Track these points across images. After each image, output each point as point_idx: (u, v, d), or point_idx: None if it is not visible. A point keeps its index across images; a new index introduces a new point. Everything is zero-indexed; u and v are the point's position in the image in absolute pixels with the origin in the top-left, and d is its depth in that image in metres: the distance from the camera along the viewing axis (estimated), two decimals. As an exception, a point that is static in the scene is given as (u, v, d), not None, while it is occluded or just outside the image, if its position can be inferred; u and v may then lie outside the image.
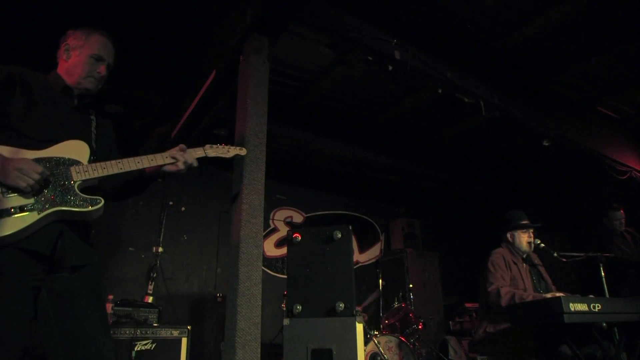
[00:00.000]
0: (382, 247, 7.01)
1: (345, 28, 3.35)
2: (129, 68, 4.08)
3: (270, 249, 6.12)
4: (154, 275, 4.49)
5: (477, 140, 6.11)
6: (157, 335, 3.29)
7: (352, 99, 5.09)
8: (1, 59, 1.79)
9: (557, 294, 2.71)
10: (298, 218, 6.52)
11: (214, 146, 2.07)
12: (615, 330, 2.57)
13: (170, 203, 5.31)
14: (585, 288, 3.34)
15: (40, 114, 1.67)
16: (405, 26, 3.74)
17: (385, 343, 3.97)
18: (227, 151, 2.12)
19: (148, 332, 3.26)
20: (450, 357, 5.03)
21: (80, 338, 1.55)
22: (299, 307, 2.94)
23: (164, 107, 4.56)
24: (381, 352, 3.77)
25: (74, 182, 1.63)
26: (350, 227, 3.08)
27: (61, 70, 1.83)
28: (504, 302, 2.82)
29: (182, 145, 1.92)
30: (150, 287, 4.39)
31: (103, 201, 1.66)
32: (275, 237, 6.19)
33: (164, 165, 1.87)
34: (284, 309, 3.86)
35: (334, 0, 3.32)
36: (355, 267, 3.09)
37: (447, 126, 5.73)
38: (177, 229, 5.36)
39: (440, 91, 4.06)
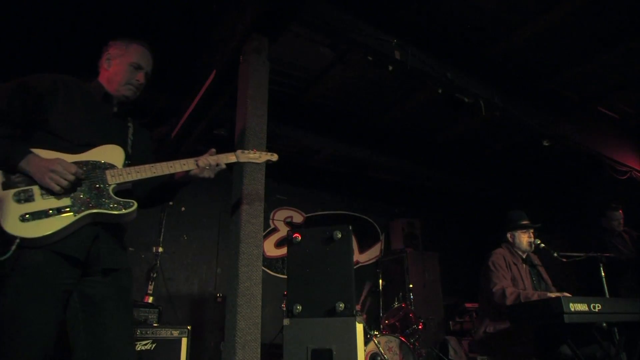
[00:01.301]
0: (382, 247, 7.02)
1: (345, 28, 3.35)
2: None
3: (270, 249, 6.12)
4: (154, 275, 4.48)
5: (477, 140, 6.11)
6: (157, 336, 3.29)
7: (352, 99, 5.09)
8: (49, 67, 1.86)
9: (565, 294, 2.70)
10: (298, 218, 6.52)
11: (246, 152, 2.10)
12: (615, 330, 2.57)
13: (170, 203, 5.30)
14: (585, 288, 3.34)
15: (80, 120, 1.73)
16: (405, 26, 3.74)
17: (385, 343, 3.97)
18: (259, 157, 2.14)
19: (148, 332, 3.26)
20: (450, 357, 5.03)
21: (103, 343, 1.58)
22: (299, 307, 2.94)
23: (164, 107, 4.56)
24: (381, 352, 3.77)
25: (109, 185, 1.67)
26: (350, 227, 3.08)
27: (102, 78, 1.90)
28: (509, 302, 2.81)
29: (212, 150, 1.97)
30: (150, 287, 4.39)
31: (136, 204, 1.69)
32: (275, 237, 6.19)
33: (192, 170, 1.91)
34: (284, 309, 3.86)
35: (334, 0, 3.32)
36: (355, 267, 3.09)
37: (447, 126, 5.73)
38: (177, 229, 5.36)
39: (440, 91, 4.06)
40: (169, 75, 4.27)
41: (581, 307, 2.31)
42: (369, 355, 3.78)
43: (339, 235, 3.05)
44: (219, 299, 5.07)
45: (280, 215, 6.34)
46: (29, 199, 1.54)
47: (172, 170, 1.83)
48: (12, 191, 1.53)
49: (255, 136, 2.75)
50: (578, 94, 4.97)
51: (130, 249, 5.01)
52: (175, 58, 4.10)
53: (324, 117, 5.29)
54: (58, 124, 1.68)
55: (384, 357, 3.76)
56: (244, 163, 2.71)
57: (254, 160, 2.12)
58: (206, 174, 1.93)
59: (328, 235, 3.08)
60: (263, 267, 3.39)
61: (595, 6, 3.61)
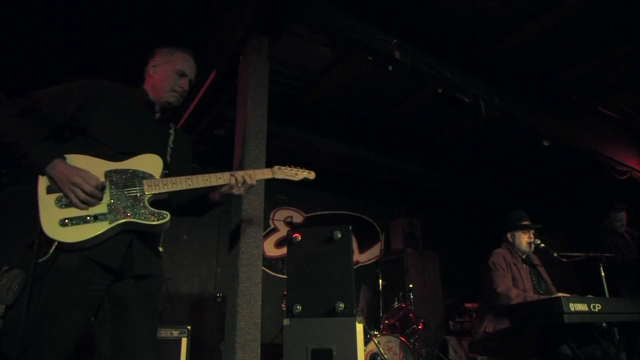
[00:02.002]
0: (382, 247, 7.01)
1: (345, 28, 3.35)
2: (129, 68, 4.09)
3: (270, 249, 6.11)
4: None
5: (477, 140, 6.10)
6: (157, 335, 3.28)
7: (352, 99, 5.09)
8: (97, 73, 1.93)
9: (567, 295, 2.70)
10: (298, 218, 6.52)
11: (283, 168, 2.12)
12: (615, 330, 2.56)
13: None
14: (585, 288, 3.34)
15: (122, 127, 1.76)
16: (405, 26, 3.74)
17: (385, 343, 3.97)
18: (295, 174, 2.16)
19: (148, 332, 3.25)
20: (450, 357, 5.03)
21: (127, 345, 1.62)
22: (299, 307, 2.94)
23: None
24: (381, 352, 3.77)
25: (145, 195, 1.70)
26: (350, 227, 3.08)
27: (147, 85, 1.94)
28: (514, 303, 2.80)
29: (248, 171, 1.98)
30: (150, 287, 4.38)
31: (169, 216, 1.71)
32: (275, 237, 6.19)
33: (224, 188, 1.93)
34: (284, 309, 3.86)
35: (333, 0, 3.32)
36: (355, 267, 3.09)
37: (447, 126, 5.73)
38: (177, 229, 5.36)
39: (440, 91, 4.06)
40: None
41: (581, 307, 2.31)
42: (369, 355, 3.78)
43: (339, 235, 3.04)
44: (219, 299, 5.07)
45: (280, 215, 6.34)
46: (70, 204, 1.58)
47: (207, 184, 1.85)
48: (55, 195, 1.58)
49: (255, 136, 2.75)
50: (578, 94, 4.96)
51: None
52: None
53: (324, 117, 5.28)
54: (100, 130, 1.71)
55: (384, 357, 3.75)
56: (241, 158, 2.73)
57: (290, 177, 2.14)
58: (238, 191, 1.93)
59: (328, 235, 3.07)
60: (263, 267, 3.39)
61: (595, 6, 3.61)
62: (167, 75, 1.92)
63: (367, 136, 5.69)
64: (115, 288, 1.65)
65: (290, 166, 2.15)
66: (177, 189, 1.77)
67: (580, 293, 2.73)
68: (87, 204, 1.59)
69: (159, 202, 1.75)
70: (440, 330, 5.95)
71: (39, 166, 1.57)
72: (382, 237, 7.13)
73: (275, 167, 2.09)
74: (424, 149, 6.17)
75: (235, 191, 1.92)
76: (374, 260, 6.87)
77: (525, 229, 3.32)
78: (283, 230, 6.12)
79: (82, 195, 1.57)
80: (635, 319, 2.52)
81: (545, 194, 6.93)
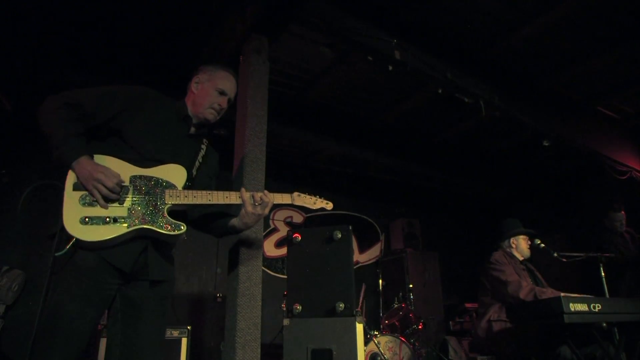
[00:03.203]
0: (382, 247, 7.01)
1: (345, 28, 3.35)
2: (129, 68, 4.09)
3: (270, 249, 6.12)
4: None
5: (477, 140, 6.10)
6: (158, 336, 3.28)
7: (352, 99, 5.09)
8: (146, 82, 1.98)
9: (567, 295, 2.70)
10: (298, 218, 6.52)
11: (302, 195, 2.13)
12: (615, 330, 2.57)
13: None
14: (585, 288, 3.34)
15: (155, 135, 1.81)
16: (405, 26, 3.74)
17: (385, 343, 3.97)
18: (314, 203, 2.17)
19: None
20: (450, 357, 5.03)
21: (135, 345, 1.66)
22: (299, 307, 2.94)
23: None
24: (381, 352, 3.77)
25: (166, 204, 1.74)
26: (350, 227, 3.08)
27: (188, 99, 2.00)
28: (523, 294, 2.81)
29: (265, 191, 1.99)
30: (150, 287, 4.38)
31: (185, 228, 1.76)
32: (275, 237, 6.19)
33: (241, 212, 1.96)
34: (284, 309, 3.86)
35: (333, 0, 3.32)
36: (355, 267, 3.09)
37: (447, 126, 5.73)
38: (177, 229, 5.35)
39: (440, 91, 4.06)
40: (169, 75, 4.27)
41: (581, 307, 2.32)
42: (369, 355, 3.78)
43: (339, 235, 3.04)
44: (219, 299, 5.06)
45: (280, 215, 6.34)
46: (92, 203, 1.63)
47: (227, 201, 1.87)
48: (80, 193, 1.63)
49: (255, 136, 2.75)
50: (578, 94, 4.96)
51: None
52: (175, 58, 4.10)
53: (324, 117, 5.28)
54: (134, 134, 1.76)
55: (384, 357, 3.75)
56: (241, 158, 2.73)
57: (308, 206, 2.15)
58: (257, 210, 1.94)
59: (328, 235, 3.07)
60: (263, 267, 3.39)
61: (595, 6, 3.61)
62: (208, 92, 1.97)
63: (367, 136, 5.69)
64: (128, 289, 1.69)
65: (309, 194, 2.16)
66: (197, 202, 1.80)
67: (580, 293, 2.73)
68: (109, 200, 1.63)
69: (176, 212, 1.78)
70: (440, 330, 5.95)
71: (67, 160, 1.61)
72: (382, 237, 7.12)
73: (295, 194, 2.11)
74: (424, 149, 6.17)
75: (251, 209, 1.93)
76: (374, 260, 6.87)
77: (526, 234, 3.37)
78: (283, 230, 6.12)
79: (104, 190, 1.61)
80: (635, 319, 2.53)
81: (545, 194, 6.94)
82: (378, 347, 3.79)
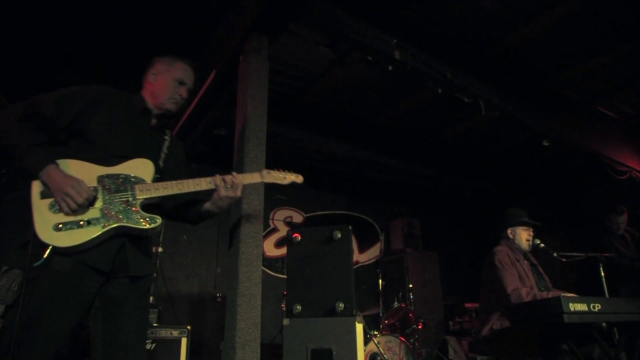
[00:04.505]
0: (382, 247, 7.02)
1: (345, 28, 3.34)
2: (129, 68, 4.08)
3: (270, 249, 6.12)
4: (154, 275, 4.48)
5: (477, 140, 6.10)
6: (157, 335, 3.29)
7: (352, 99, 5.09)
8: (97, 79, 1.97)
9: (567, 295, 2.69)
10: (298, 218, 6.52)
11: (271, 171, 2.14)
12: (615, 330, 2.56)
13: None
14: (585, 288, 3.33)
15: (118, 132, 1.80)
16: (405, 26, 3.73)
17: (385, 343, 3.97)
18: (284, 178, 2.18)
19: (148, 332, 3.26)
20: (450, 357, 5.03)
21: (118, 342, 1.67)
22: (299, 307, 2.94)
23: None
24: (381, 352, 3.77)
25: (137, 199, 1.73)
26: (350, 227, 3.08)
27: (146, 92, 1.99)
28: (525, 301, 2.79)
29: (234, 173, 2.00)
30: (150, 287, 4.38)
31: (161, 221, 1.75)
32: (275, 237, 6.19)
33: (214, 195, 1.97)
34: (284, 309, 3.86)
35: (334, 0, 3.32)
36: (355, 267, 3.09)
37: (447, 126, 5.73)
38: (177, 229, 5.36)
39: (440, 91, 4.06)
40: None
41: (581, 307, 2.31)
42: (368, 355, 3.78)
43: (339, 235, 3.04)
44: (219, 299, 5.07)
45: (280, 215, 6.34)
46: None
47: (198, 188, 1.88)
48: (48, 201, 1.61)
49: (255, 136, 2.75)
50: (578, 94, 4.96)
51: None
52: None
53: (324, 117, 5.28)
54: (97, 134, 1.75)
55: (384, 357, 3.76)
56: (235, 162, 2.74)
57: (278, 181, 2.15)
58: (228, 193, 1.95)
59: (328, 235, 3.08)
60: (263, 267, 3.39)
61: (595, 6, 3.61)
62: (167, 83, 1.97)
63: (367, 136, 5.69)
64: (107, 287, 1.68)
65: (278, 169, 2.16)
66: (169, 194, 1.80)
67: (580, 293, 2.73)
68: (77, 213, 1.62)
69: (151, 206, 1.77)
70: (440, 330, 5.96)
71: (33, 171, 1.61)
72: (382, 237, 7.13)
73: (264, 171, 2.11)
74: (424, 149, 6.16)
75: (224, 192, 1.94)
76: (373, 260, 6.88)
77: (526, 225, 3.31)
78: (283, 230, 6.12)
79: (73, 206, 1.59)
80: (635, 319, 2.52)
81: (545, 193, 6.94)
82: (378, 347, 3.79)
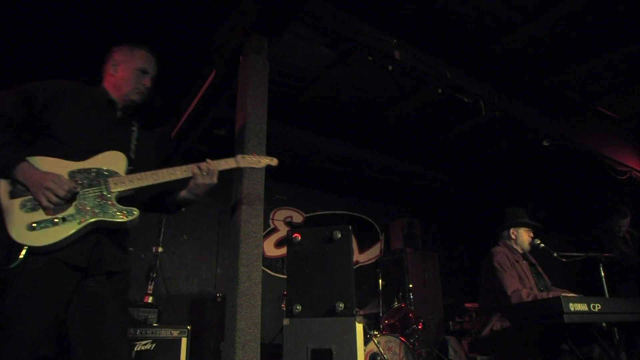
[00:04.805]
0: (382, 247, 7.01)
1: (345, 28, 3.35)
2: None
3: (270, 249, 6.12)
4: (154, 275, 4.49)
5: (477, 140, 6.11)
6: (157, 335, 3.29)
7: (352, 99, 5.09)
8: (55, 74, 1.88)
9: (567, 295, 2.69)
10: (298, 218, 6.52)
11: (246, 156, 2.12)
12: (615, 330, 2.56)
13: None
14: (585, 288, 3.33)
15: (84, 126, 1.76)
16: (405, 26, 3.74)
17: (385, 343, 3.97)
18: (259, 161, 2.16)
19: (148, 332, 3.26)
20: (450, 357, 5.03)
21: (99, 340, 1.64)
22: (299, 307, 2.94)
23: (164, 107, 4.56)
24: (381, 352, 3.77)
25: (112, 193, 1.70)
26: (350, 227, 3.08)
27: (108, 84, 1.93)
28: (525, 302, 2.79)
29: (208, 160, 1.98)
30: (150, 287, 4.39)
31: (138, 212, 1.73)
32: (275, 237, 6.19)
33: (191, 182, 1.94)
34: (284, 309, 3.86)
35: (334, 0, 3.32)
36: (355, 267, 3.09)
37: (447, 126, 5.73)
38: (177, 229, 5.36)
39: (440, 91, 4.06)
40: (169, 74, 4.27)
41: (581, 307, 2.31)
42: (368, 355, 3.78)
43: (339, 235, 3.04)
44: (219, 299, 5.06)
45: (280, 215, 6.34)
46: (35, 207, 1.57)
47: (173, 177, 1.85)
48: (19, 200, 1.57)
49: (255, 136, 2.75)
50: (578, 94, 4.97)
51: (130, 249, 5.03)
52: (175, 58, 4.10)
53: (324, 117, 5.28)
54: (63, 130, 1.70)
55: (384, 357, 3.76)
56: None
57: (254, 165, 2.15)
58: (204, 180, 1.93)
59: (328, 235, 3.07)
60: (263, 267, 3.39)
61: (595, 6, 3.61)
62: (130, 73, 1.92)
63: (367, 136, 5.69)
64: (84, 286, 1.66)
65: (253, 154, 2.15)
66: (144, 185, 1.77)
67: (580, 293, 2.73)
68: (70, 201, 1.59)
69: (126, 198, 1.74)
70: (440, 330, 5.96)
71: (5, 170, 1.57)
72: (382, 237, 7.13)
73: (239, 156, 2.10)
74: (424, 149, 6.17)
75: (201, 180, 1.93)
76: (373, 260, 6.88)
77: (528, 226, 3.31)
78: (283, 230, 6.12)
79: (55, 199, 1.56)
80: (635, 319, 2.52)
81: (545, 193, 6.94)
82: (378, 347, 3.79)
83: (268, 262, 5.99)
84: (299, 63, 4.35)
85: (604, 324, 2.51)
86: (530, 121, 4.63)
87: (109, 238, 1.71)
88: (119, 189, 1.71)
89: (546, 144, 4.94)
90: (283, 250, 4.67)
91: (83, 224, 1.60)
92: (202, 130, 4.54)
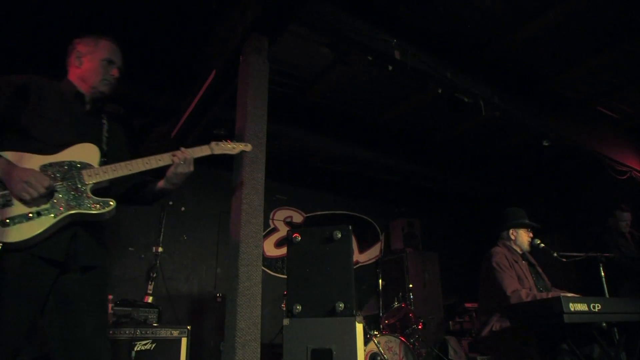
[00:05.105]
0: (382, 247, 7.02)
1: (345, 28, 3.35)
2: (129, 67, 4.08)
3: (270, 249, 6.12)
4: (154, 275, 4.48)
5: (477, 140, 6.11)
6: (157, 335, 3.29)
7: (352, 99, 5.09)
8: (17, 69, 1.86)
9: (567, 295, 2.69)
10: (298, 218, 6.52)
11: (220, 143, 2.11)
12: (615, 330, 2.56)
13: (170, 203, 5.31)
14: (585, 288, 3.33)
15: (52, 120, 1.73)
16: (405, 26, 3.74)
17: (385, 343, 3.97)
18: (233, 148, 2.16)
19: (148, 332, 3.26)
20: (450, 357, 5.03)
21: (79, 339, 1.61)
22: (299, 307, 2.94)
23: (164, 107, 4.56)
24: (381, 352, 3.77)
25: (87, 185, 1.68)
26: (350, 227, 3.08)
27: (73, 77, 1.89)
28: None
29: (182, 148, 1.97)
30: (150, 287, 4.39)
31: (115, 204, 1.70)
32: (275, 237, 6.19)
33: (169, 172, 1.92)
34: (284, 309, 3.86)
35: (334, 0, 3.32)
36: (355, 267, 3.09)
37: (447, 126, 5.73)
38: (177, 229, 5.36)
39: (440, 91, 4.06)
40: (169, 75, 4.28)
41: (581, 307, 2.31)
42: (368, 355, 3.78)
43: (339, 235, 3.04)
44: (219, 299, 5.06)
45: (280, 215, 6.34)
46: (8, 203, 1.54)
47: (148, 167, 1.83)
48: None
49: (255, 136, 2.75)
50: (578, 94, 4.97)
51: (130, 249, 5.06)
52: (175, 57, 4.11)
53: (324, 117, 5.28)
54: (31, 124, 1.67)
55: (384, 357, 3.76)
56: (235, 162, 2.73)
57: (228, 152, 2.14)
58: (182, 169, 1.92)
59: (328, 235, 3.07)
60: (263, 267, 3.39)
61: (595, 6, 3.61)
62: (96, 65, 1.89)
63: (367, 136, 5.69)
64: (61, 285, 1.63)
65: (227, 140, 2.16)
66: (118, 175, 1.75)
67: (580, 293, 2.73)
68: (36, 201, 1.56)
69: (102, 191, 1.73)
70: (440, 330, 5.96)
71: None
72: (382, 237, 7.13)
73: (213, 143, 2.10)
74: (424, 149, 6.17)
75: (180, 169, 1.92)
76: (373, 260, 6.88)
77: (527, 227, 3.32)
78: (283, 230, 6.12)
79: (36, 194, 1.55)
80: (635, 319, 2.52)
81: (544, 193, 6.94)
82: (378, 347, 3.79)
83: (268, 262, 5.99)
84: (299, 63, 4.35)
85: (604, 324, 2.51)
86: (530, 121, 4.64)
87: (85, 232, 1.69)
88: (93, 181, 1.69)
89: (546, 144, 4.94)
90: (283, 250, 4.67)
91: (59, 218, 1.58)
92: (202, 130, 4.54)
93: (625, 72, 4.52)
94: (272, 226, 6.21)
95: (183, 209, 5.46)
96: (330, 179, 6.71)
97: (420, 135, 5.96)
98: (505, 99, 4.36)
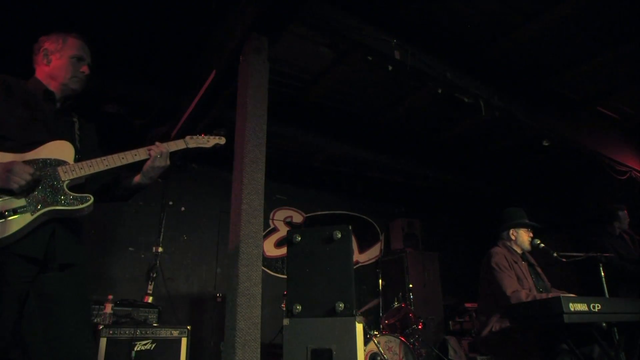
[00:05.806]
0: (382, 247, 7.02)
1: (345, 28, 3.35)
2: (129, 67, 4.09)
3: (270, 249, 6.12)
4: (154, 275, 4.49)
5: (477, 140, 6.11)
6: (157, 335, 3.29)
7: (352, 99, 5.09)
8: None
9: (567, 295, 2.69)
10: (298, 218, 6.52)
11: (194, 137, 2.13)
12: (615, 330, 2.57)
13: (170, 203, 5.31)
14: (585, 288, 3.33)
15: (23, 119, 1.70)
16: (405, 26, 3.74)
17: (385, 343, 3.97)
18: (207, 141, 2.18)
19: (148, 332, 3.27)
20: (450, 357, 5.03)
21: (61, 338, 1.59)
22: (299, 307, 2.94)
23: (164, 107, 4.56)
24: (381, 352, 3.77)
25: (63, 181, 1.67)
26: (350, 227, 3.08)
27: (41, 75, 1.87)
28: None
29: (157, 142, 1.97)
30: (150, 287, 4.40)
31: (92, 199, 1.70)
32: (275, 237, 6.19)
33: (145, 166, 1.92)
34: (284, 309, 3.86)
35: (334, 0, 3.32)
36: (355, 267, 3.09)
37: (447, 126, 5.73)
38: (177, 229, 5.36)
39: (440, 91, 4.06)
40: (169, 74, 4.28)
41: (581, 307, 2.31)
42: (368, 355, 3.78)
43: (339, 235, 3.04)
44: (219, 299, 5.06)
45: (280, 215, 6.34)
46: None
47: (124, 162, 1.83)
48: None
49: (255, 136, 2.75)
50: (578, 94, 4.97)
51: (130, 249, 5.06)
52: (175, 57, 4.11)
53: (324, 117, 5.29)
54: (1, 123, 1.65)
55: (384, 357, 3.76)
56: (235, 162, 2.73)
57: (202, 145, 2.15)
58: (159, 163, 1.92)
59: (328, 235, 3.07)
60: (263, 267, 3.39)
61: (596, 6, 3.61)
62: (65, 62, 1.86)
63: (367, 136, 5.69)
64: (41, 284, 1.61)
65: (201, 134, 2.17)
66: (94, 171, 1.75)
67: (580, 293, 2.73)
68: (24, 191, 1.56)
69: (77, 188, 1.72)
70: (440, 330, 5.96)
71: None
72: (382, 237, 7.13)
73: (187, 137, 2.11)
74: (424, 149, 6.17)
75: (157, 163, 1.91)
76: (374, 260, 6.88)
77: (528, 227, 3.32)
78: (283, 230, 6.12)
79: (24, 183, 1.54)
80: (635, 319, 2.52)
81: (544, 193, 6.94)
82: (378, 347, 3.79)
83: (268, 262, 5.99)
84: (299, 63, 4.35)
85: (604, 324, 2.51)
86: (530, 121, 4.64)
87: (64, 229, 1.68)
88: (69, 177, 1.68)
89: (546, 144, 4.94)
90: (283, 250, 4.67)
91: (36, 214, 1.57)
92: (202, 130, 4.54)
93: (625, 72, 4.52)
94: (272, 226, 6.22)
95: (183, 209, 5.46)
96: (330, 179, 6.72)
97: (420, 135, 5.96)
98: (505, 99, 4.36)
